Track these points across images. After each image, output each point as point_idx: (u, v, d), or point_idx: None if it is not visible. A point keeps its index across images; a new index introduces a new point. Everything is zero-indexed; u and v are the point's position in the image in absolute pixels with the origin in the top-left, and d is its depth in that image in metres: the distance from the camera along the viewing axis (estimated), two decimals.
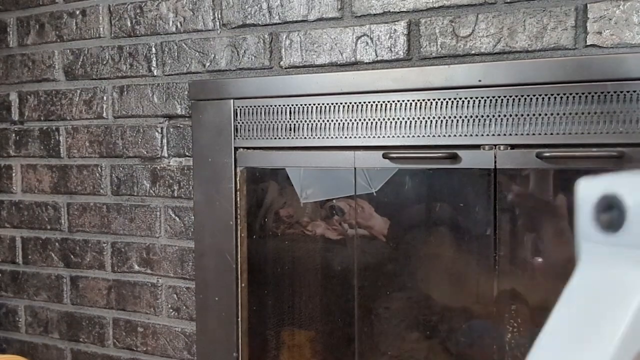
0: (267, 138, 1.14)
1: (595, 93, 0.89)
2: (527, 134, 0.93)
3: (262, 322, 1.22)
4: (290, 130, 1.12)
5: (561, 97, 0.91)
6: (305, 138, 1.10)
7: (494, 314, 0.99)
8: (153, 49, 1.29)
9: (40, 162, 1.45)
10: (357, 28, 1.09)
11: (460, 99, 0.98)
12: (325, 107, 1.08)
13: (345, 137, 1.07)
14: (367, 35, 1.08)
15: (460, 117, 0.98)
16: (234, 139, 1.16)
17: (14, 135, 1.49)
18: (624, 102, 0.87)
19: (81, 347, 1.43)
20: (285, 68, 1.16)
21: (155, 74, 1.29)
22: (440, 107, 0.99)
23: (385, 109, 1.03)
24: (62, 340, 1.46)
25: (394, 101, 1.03)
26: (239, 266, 1.18)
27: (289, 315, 1.21)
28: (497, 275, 0.98)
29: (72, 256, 1.43)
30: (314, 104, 1.09)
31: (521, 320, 0.99)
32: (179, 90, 1.26)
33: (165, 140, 1.29)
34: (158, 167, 1.30)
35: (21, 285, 1.51)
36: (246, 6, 1.19)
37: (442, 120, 0.99)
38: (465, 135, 0.98)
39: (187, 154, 1.26)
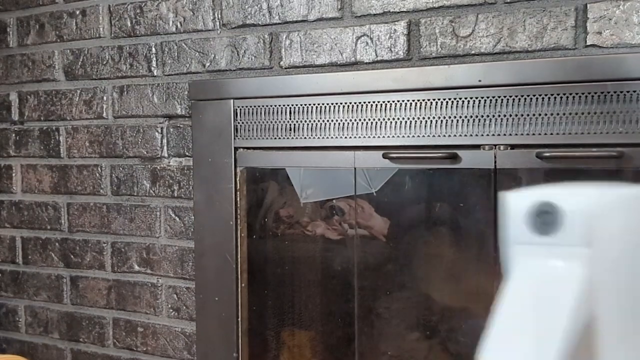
0: (267, 138, 1.14)
1: (595, 93, 0.89)
2: (527, 134, 0.93)
3: (262, 322, 1.22)
4: (290, 130, 1.12)
5: (561, 97, 0.91)
6: (305, 138, 1.10)
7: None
8: (153, 49, 1.29)
9: (40, 162, 1.45)
10: (357, 28, 1.09)
11: (460, 99, 0.98)
12: (325, 107, 1.08)
13: (345, 137, 1.07)
14: (367, 35, 1.08)
15: (460, 117, 0.98)
16: (234, 139, 1.16)
17: (14, 135, 1.49)
18: (624, 102, 0.87)
19: (81, 347, 1.43)
20: (285, 68, 1.16)
21: (155, 74, 1.29)
22: (440, 107, 0.99)
23: (385, 109, 1.03)
24: (62, 340, 1.46)
25: (394, 101, 1.03)
26: (239, 266, 1.18)
27: (289, 315, 1.21)
28: (497, 275, 0.98)
29: (72, 256, 1.43)
30: (314, 104, 1.09)
31: None
32: (179, 90, 1.26)
33: (165, 140, 1.29)
34: (158, 167, 1.30)
35: (21, 285, 1.51)
36: (246, 6, 1.19)
37: (442, 120, 0.99)
38: (465, 135, 0.98)
39: (187, 154, 1.26)
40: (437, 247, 1.07)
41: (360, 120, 1.05)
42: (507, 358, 0.43)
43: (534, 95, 0.93)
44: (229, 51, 1.21)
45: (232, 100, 1.16)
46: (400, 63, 1.06)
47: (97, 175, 1.38)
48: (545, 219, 0.43)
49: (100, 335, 1.40)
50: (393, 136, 1.03)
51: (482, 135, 0.96)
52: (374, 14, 1.08)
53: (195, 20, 1.24)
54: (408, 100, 1.02)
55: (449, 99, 0.98)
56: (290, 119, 1.11)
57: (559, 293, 0.42)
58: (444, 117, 0.99)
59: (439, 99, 0.99)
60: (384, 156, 1.03)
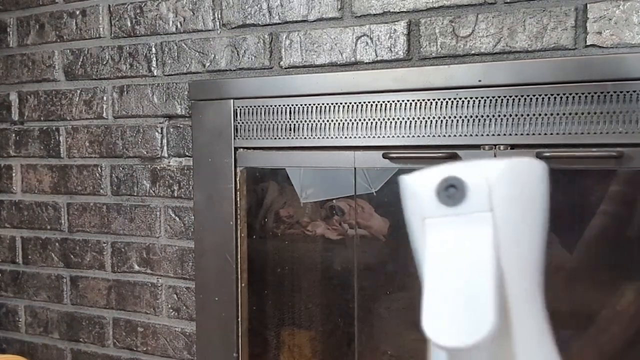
0: (267, 138, 1.14)
1: (595, 93, 0.89)
2: (527, 134, 0.94)
3: (262, 322, 1.22)
4: (290, 130, 1.12)
5: (561, 97, 0.91)
6: (305, 138, 1.10)
7: None
8: (153, 49, 1.29)
9: (40, 162, 1.45)
10: (357, 28, 1.09)
11: (460, 99, 0.98)
12: (325, 107, 1.08)
13: (345, 137, 1.07)
14: (367, 36, 1.08)
15: (460, 117, 0.98)
16: (234, 139, 1.16)
17: (14, 135, 1.49)
18: (624, 102, 0.88)
19: (81, 347, 1.43)
20: (285, 68, 1.16)
21: (155, 74, 1.29)
22: (440, 107, 0.99)
23: (385, 109, 1.03)
24: (62, 340, 1.46)
25: (394, 101, 1.03)
26: (239, 266, 1.18)
27: (289, 315, 1.21)
28: None
29: (72, 256, 1.43)
30: (314, 104, 1.09)
31: None
32: (179, 90, 1.26)
33: (165, 140, 1.29)
34: (158, 167, 1.30)
35: (21, 285, 1.51)
36: (246, 6, 1.19)
37: (442, 120, 0.99)
38: (465, 135, 0.98)
39: (187, 154, 1.26)
40: None
41: (360, 120, 1.05)
42: (447, 322, 0.48)
43: (534, 95, 0.93)
44: (229, 51, 1.21)
45: (232, 100, 1.16)
46: (400, 63, 1.06)
47: (97, 175, 1.38)
48: (451, 192, 0.50)
49: (100, 335, 1.40)
50: (393, 136, 1.03)
51: (482, 135, 0.97)
52: (374, 14, 1.08)
53: (195, 20, 1.24)
54: (408, 100, 1.02)
55: (449, 99, 0.98)
56: (290, 119, 1.11)
57: (476, 254, 0.49)
58: (444, 117, 0.99)
59: (439, 99, 0.99)
60: (384, 156, 1.03)
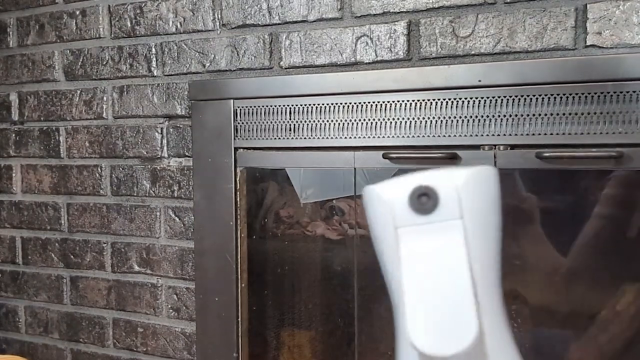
0: (267, 138, 1.14)
1: (595, 93, 0.89)
2: (527, 134, 0.94)
3: (262, 322, 1.22)
4: (290, 130, 1.12)
5: (561, 97, 0.91)
6: (305, 138, 1.10)
7: None
8: (153, 49, 1.29)
9: (40, 162, 1.46)
10: (357, 28, 1.09)
11: (460, 99, 0.98)
12: (325, 107, 1.08)
13: (345, 138, 1.07)
14: (367, 36, 1.09)
15: (460, 117, 0.98)
16: (234, 139, 1.16)
17: (14, 135, 1.49)
18: (624, 102, 0.88)
19: (81, 347, 1.43)
20: (285, 68, 1.16)
21: (155, 74, 1.29)
22: (440, 107, 0.99)
23: (385, 109, 1.03)
24: (62, 340, 1.46)
25: (394, 101, 1.03)
26: (239, 266, 1.18)
27: (289, 315, 1.21)
28: (501, 272, 0.98)
29: (72, 256, 1.43)
30: (314, 104, 1.09)
31: (521, 321, 0.99)
32: (179, 91, 1.26)
33: (165, 141, 1.29)
34: (158, 168, 1.30)
35: (21, 286, 1.51)
36: (246, 6, 1.19)
37: (442, 120, 0.99)
38: (465, 136, 0.98)
39: (187, 154, 1.26)
40: None
41: (360, 120, 1.06)
42: (433, 330, 0.50)
43: (534, 95, 0.93)
44: (229, 51, 1.21)
45: (232, 101, 1.16)
46: (400, 63, 1.06)
47: (97, 175, 1.38)
48: (423, 201, 0.52)
49: (100, 335, 1.40)
50: (393, 136, 1.03)
51: (482, 135, 0.97)
52: (374, 14, 1.08)
53: (195, 21, 1.24)
54: (408, 101, 1.02)
55: (449, 99, 0.98)
56: (290, 119, 1.11)
57: (452, 261, 0.51)
58: (444, 117, 0.99)
59: (439, 99, 0.99)
60: (384, 156, 1.03)
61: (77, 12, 1.38)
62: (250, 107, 1.15)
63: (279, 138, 1.13)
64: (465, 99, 0.97)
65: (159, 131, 1.29)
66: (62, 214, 1.43)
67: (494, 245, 0.55)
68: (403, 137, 1.02)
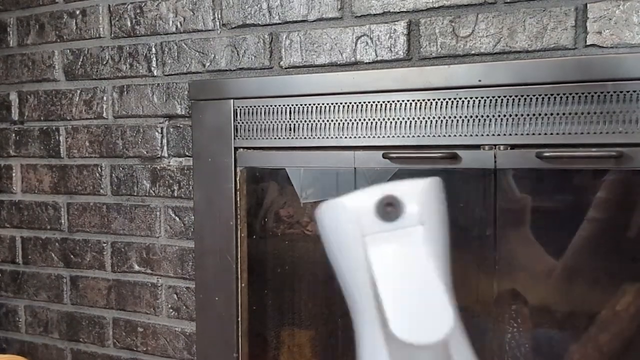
0: (267, 138, 1.14)
1: (595, 93, 0.89)
2: (527, 134, 0.94)
3: (262, 322, 1.22)
4: (290, 130, 1.12)
5: (561, 97, 0.91)
6: (305, 138, 1.10)
7: (493, 314, 0.99)
8: (153, 49, 1.29)
9: (40, 162, 1.46)
10: (357, 28, 1.09)
11: (460, 99, 0.98)
12: (325, 107, 1.08)
13: (345, 137, 1.07)
14: (367, 35, 1.09)
15: (460, 117, 0.98)
16: (234, 139, 1.16)
17: (14, 135, 1.49)
18: (624, 102, 0.88)
19: (81, 347, 1.43)
20: (285, 68, 1.16)
21: (155, 74, 1.29)
22: (440, 107, 0.99)
23: (385, 109, 1.03)
24: (62, 340, 1.46)
25: (394, 101, 1.03)
26: (239, 266, 1.18)
27: (289, 315, 1.21)
28: (497, 275, 0.98)
29: (72, 256, 1.43)
30: (314, 104, 1.09)
31: (521, 321, 0.99)
32: (179, 90, 1.26)
33: (165, 140, 1.29)
34: (158, 167, 1.30)
35: (21, 285, 1.51)
36: (246, 6, 1.19)
37: (442, 120, 0.99)
38: (465, 135, 0.98)
39: (187, 154, 1.26)
40: None
41: (360, 120, 1.05)
42: (414, 323, 0.55)
43: (534, 95, 0.93)
44: (229, 51, 1.21)
45: (232, 100, 1.16)
46: (400, 63, 1.06)
47: (97, 175, 1.38)
48: (389, 210, 0.58)
49: (100, 335, 1.40)
50: (393, 136, 1.03)
51: (482, 135, 0.97)
52: (374, 14, 1.08)
53: (195, 20, 1.24)
54: (408, 100, 1.02)
55: (449, 99, 0.98)
56: (290, 119, 1.11)
57: (419, 262, 0.57)
58: (444, 117, 0.99)
59: (439, 99, 0.99)
60: (384, 156, 1.03)
61: (77, 12, 1.38)
62: (250, 107, 1.15)
63: (279, 138, 1.13)
64: (465, 98, 0.97)
65: (159, 131, 1.29)
66: (62, 214, 1.43)
67: (447, 246, 0.60)
68: (403, 137, 1.02)
